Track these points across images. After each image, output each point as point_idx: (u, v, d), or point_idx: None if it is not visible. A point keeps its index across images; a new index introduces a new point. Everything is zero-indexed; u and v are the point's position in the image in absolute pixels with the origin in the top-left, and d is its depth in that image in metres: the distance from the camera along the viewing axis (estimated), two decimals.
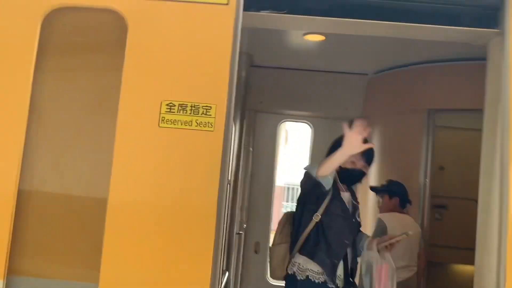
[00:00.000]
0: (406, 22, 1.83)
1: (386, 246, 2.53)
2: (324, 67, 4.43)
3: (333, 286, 2.38)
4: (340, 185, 2.53)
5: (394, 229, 3.14)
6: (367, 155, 2.50)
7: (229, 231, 3.69)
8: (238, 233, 4.15)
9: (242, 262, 4.60)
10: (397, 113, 4.17)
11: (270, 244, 4.71)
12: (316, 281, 2.38)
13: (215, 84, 1.72)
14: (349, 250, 2.50)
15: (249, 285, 4.64)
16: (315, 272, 2.39)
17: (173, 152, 1.71)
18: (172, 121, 1.71)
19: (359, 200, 2.71)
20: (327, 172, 2.26)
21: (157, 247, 1.67)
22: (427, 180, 3.76)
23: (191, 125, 1.70)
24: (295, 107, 4.67)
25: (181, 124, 1.70)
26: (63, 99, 1.91)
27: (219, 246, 1.66)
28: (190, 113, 1.71)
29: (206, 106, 1.70)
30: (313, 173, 2.30)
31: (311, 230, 2.42)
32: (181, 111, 1.70)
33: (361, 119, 2.11)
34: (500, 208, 1.78)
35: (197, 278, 1.64)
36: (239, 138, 3.78)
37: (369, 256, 2.52)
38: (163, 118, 1.70)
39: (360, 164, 2.52)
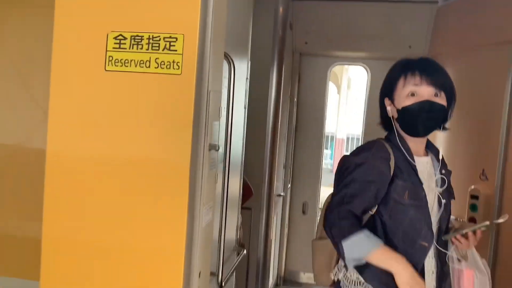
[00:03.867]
0: None
1: (463, 239, 1.68)
2: None
3: None
4: (410, 145, 1.68)
5: None
6: (431, 74, 1.62)
7: (269, 193, 3.32)
8: (279, 195, 3.75)
9: (289, 224, 4.29)
10: (474, 49, 3.45)
11: (320, 205, 4.47)
12: None
13: (181, 6, 1.18)
14: (432, 252, 1.67)
15: (296, 248, 4.34)
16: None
17: (125, 108, 1.22)
18: (122, 61, 1.21)
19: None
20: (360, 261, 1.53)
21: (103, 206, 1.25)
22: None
23: (149, 67, 1.20)
24: (348, 47, 4.06)
25: (135, 66, 1.20)
26: None
27: (195, 225, 1.19)
28: (148, 49, 1.20)
29: (170, 37, 1.18)
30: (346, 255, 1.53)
31: (365, 226, 1.60)
32: (135, 46, 1.20)
33: None
34: None
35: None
36: (277, 85, 3.29)
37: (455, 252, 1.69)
38: (110, 58, 1.21)
39: (425, 91, 1.61)
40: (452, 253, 1.69)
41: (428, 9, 3.77)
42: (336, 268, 1.75)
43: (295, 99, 4.16)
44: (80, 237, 1.25)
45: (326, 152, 15.06)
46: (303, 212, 4.27)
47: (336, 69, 4.34)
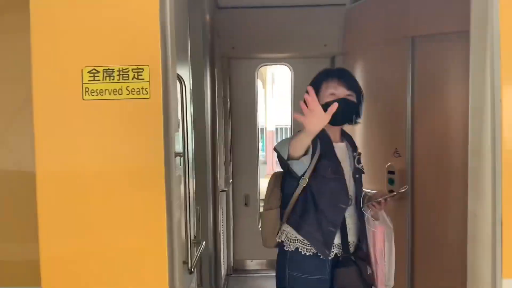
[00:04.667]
0: None
1: (379, 203, 2.21)
2: (297, 1, 4.14)
3: (326, 258, 2.07)
4: (330, 134, 2.14)
5: None
6: (345, 79, 2.13)
7: (213, 190, 3.54)
8: (223, 190, 4.01)
9: (233, 217, 4.55)
10: (379, 44, 3.89)
11: (260, 196, 4.75)
12: (307, 253, 2.08)
13: (145, 40, 1.43)
14: (350, 213, 2.16)
15: (242, 239, 4.61)
16: (305, 243, 2.09)
17: (104, 129, 1.45)
18: (98, 91, 1.43)
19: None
20: (298, 153, 1.92)
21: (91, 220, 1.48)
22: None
23: (122, 94, 1.43)
24: (271, 49, 4.37)
25: (110, 94, 1.43)
26: None
27: (173, 226, 1.46)
28: (119, 79, 1.43)
29: (137, 68, 1.42)
30: (284, 156, 1.97)
31: (299, 196, 2.08)
32: (107, 77, 1.42)
33: (307, 94, 1.74)
34: (492, 148, 1.56)
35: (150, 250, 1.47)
36: (211, 88, 3.53)
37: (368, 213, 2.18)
38: (86, 89, 1.43)
39: (341, 92, 2.11)
40: (369, 215, 2.18)
41: (338, 11, 4.17)
42: (279, 233, 2.19)
43: (228, 100, 4.42)
44: (75, 240, 1.45)
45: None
46: (245, 204, 4.53)
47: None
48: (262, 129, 15.39)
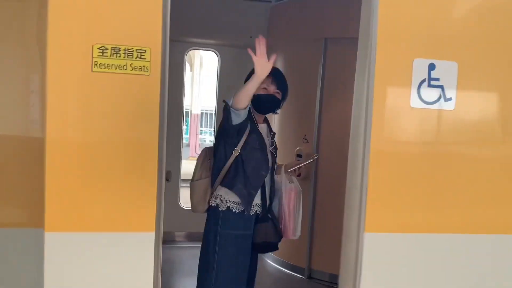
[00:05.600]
0: None
1: (294, 170, 2.76)
2: None
3: (249, 214, 2.53)
4: (256, 117, 2.61)
5: None
6: (277, 80, 2.59)
7: None
8: None
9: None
10: (299, 42, 4.33)
11: (181, 177, 4.91)
12: (236, 210, 2.51)
13: (149, 26, 1.71)
14: (267, 180, 2.63)
15: (164, 210, 4.76)
16: (235, 202, 2.52)
17: (108, 99, 1.71)
18: (105, 65, 1.68)
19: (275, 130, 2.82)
20: (242, 103, 2.30)
21: (98, 185, 1.74)
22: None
23: (126, 69, 1.70)
24: (202, 35, 4.64)
25: (116, 68, 1.69)
26: None
27: (162, 182, 1.80)
28: (124, 57, 1.69)
29: (140, 49, 1.70)
30: (229, 103, 2.33)
31: (231, 164, 2.50)
32: (114, 54, 1.68)
33: (259, 38, 2.13)
34: (364, 134, 2.08)
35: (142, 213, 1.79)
36: None
37: (278, 180, 2.74)
38: (95, 62, 1.67)
39: (272, 89, 2.58)
40: (286, 179, 2.72)
41: (264, 6, 4.54)
42: (213, 197, 2.59)
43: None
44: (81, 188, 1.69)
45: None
46: (167, 179, 4.72)
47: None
48: (187, 112, 15.26)
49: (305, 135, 4.31)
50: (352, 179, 2.17)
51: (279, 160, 2.81)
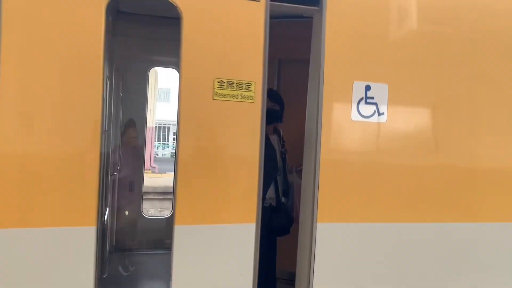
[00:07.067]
0: None
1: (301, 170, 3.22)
2: None
3: (266, 205, 3.05)
4: (267, 130, 2.96)
5: None
6: (273, 97, 3.10)
7: (106, 174, 3.89)
8: (113, 175, 4.38)
9: (118, 200, 4.86)
10: None
11: (144, 183, 5.04)
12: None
13: (254, 64, 2.26)
14: (279, 179, 3.19)
15: (125, 219, 4.89)
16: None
17: (225, 122, 2.25)
18: (223, 94, 2.20)
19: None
20: None
21: None
22: None
23: (237, 98, 2.23)
24: (163, 53, 4.82)
25: (230, 98, 2.21)
26: None
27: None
28: (236, 88, 2.22)
29: (248, 83, 2.24)
30: None
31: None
32: (229, 87, 2.20)
33: None
34: (315, 138, 2.53)
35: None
36: (109, 86, 3.86)
37: (289, 178, 3.30)
38: (215, 93, 2.19)
39: (268, 105, 2.86)
40: (296, 177, 3.28)
41: None
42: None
43: (120, 94, 4.69)
44: None
45: None
46: (130, 190, 4.87)
47: None
48: None
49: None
50: (307, 180, 2.61)
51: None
